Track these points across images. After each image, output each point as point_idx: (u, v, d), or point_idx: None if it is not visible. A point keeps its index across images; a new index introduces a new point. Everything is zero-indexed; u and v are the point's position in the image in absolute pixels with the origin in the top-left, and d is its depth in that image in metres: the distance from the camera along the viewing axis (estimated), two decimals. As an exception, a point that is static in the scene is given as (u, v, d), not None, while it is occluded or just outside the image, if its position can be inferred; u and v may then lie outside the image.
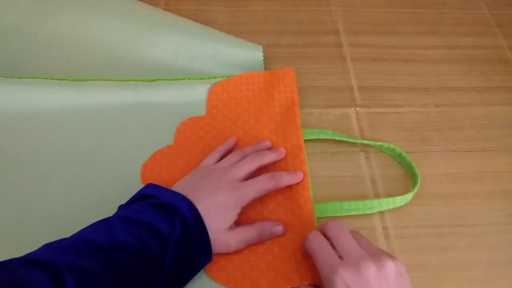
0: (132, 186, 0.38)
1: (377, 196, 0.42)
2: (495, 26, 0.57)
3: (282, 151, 0.41)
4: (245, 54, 0.49)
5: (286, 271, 0.35)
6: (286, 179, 0.38)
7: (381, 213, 0.41)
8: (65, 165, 0.41)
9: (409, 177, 0.43)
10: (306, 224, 0.38)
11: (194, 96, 0.46)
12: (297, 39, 0.53)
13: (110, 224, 0.31)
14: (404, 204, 0.41)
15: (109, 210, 0.34)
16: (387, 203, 0.40)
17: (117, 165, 0.41)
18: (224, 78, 0.47)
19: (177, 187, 0.35)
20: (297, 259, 0.36)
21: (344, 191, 0.42)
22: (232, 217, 0.34)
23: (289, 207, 0.39)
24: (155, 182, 0.37)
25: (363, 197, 0.41)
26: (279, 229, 0.36)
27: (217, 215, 0.33)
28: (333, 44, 0.53)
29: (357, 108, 0.48)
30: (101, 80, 0.46)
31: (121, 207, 0.35)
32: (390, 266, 0.29)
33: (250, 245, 0.36)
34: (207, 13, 0.55)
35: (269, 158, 0.39)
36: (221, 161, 0.39)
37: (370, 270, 0.28)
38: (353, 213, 0.40)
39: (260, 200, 0.38)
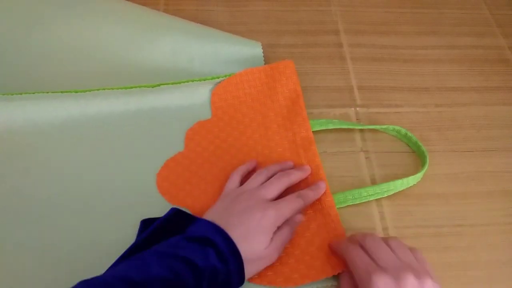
0: (148, 195, 0.39)
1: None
2: (495, 26, 0.57)
3: (307, 169, 0.40)
4: (245, 52, 0.50)
5: (317, 264, 0.35)
6: (311, 196, 0.38)
7: (381, 213, 0.40)
8: (74, 178, 0.40)
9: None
10: (330, 217, 0.38)
11: (197, 99, 0.46)
12: (297, 39, 0.53)
13: (144, 259, 0.30)
14: (408, 191, 0.41)
15: (127, 220, 0.35)
16: (401, 184, 0.41)
17: (129, 175, 0.41)
18: (226, 76, 0.47)
19: (209, 216, 0.34)
20: (326, 251, 0.36)
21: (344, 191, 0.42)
22: (269, 237, 0.33)
23: None
24: (172, 190, 0.39)
25: (363, 197, 0.42)
26: (300, 217, 0.37)
27: (255, 238, 0.33)
28: (333, 44, 0.53)
29: (357, 108, 0.48)
30: (103, 89, 0.45)
31: (144, 223, 0.34)
32: (429, 285, 0.28)
33: None
34: (207, 13, 0.55)
35: (295, 176, 0.39)
36: (247, 183, 0.38)
37: (409, 281, 0.28)
38: (371, 198, 0.40)
39: None
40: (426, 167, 0.42)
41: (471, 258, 0.38)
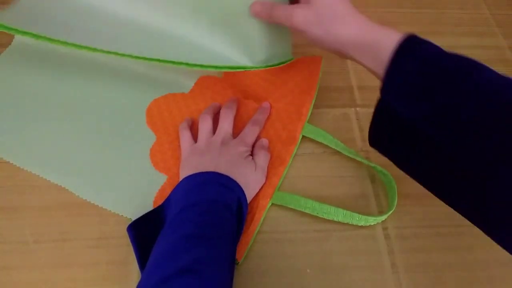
0: (135, 105, 0.45)
1: (377, 196, 0.42)
2: (495, 26, 0.57)
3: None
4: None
5: None
6: (262, 118, 0.44)
7: (381, 212, 0.40)
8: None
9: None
10: (257, 205, 0.39)
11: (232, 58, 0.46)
12: (297, 39, 0.52)
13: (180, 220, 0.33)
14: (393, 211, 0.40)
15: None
16: (350, 218, 0.39)
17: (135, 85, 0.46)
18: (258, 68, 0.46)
19: (205, 166, 0.37)
20: None
21: (344, 191, 0.42)
22: (250, 163, 0.39)
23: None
24: (156, 118, 0.44)
25: (363, 196, 0.41)
26: (265, 140, 0.43)
27: (240, 168, 0.38)
28: (333, 44, 0.53)
29: (357, 108, 0.48)
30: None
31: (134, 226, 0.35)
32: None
33: None
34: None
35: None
36: (218, 135, 0.41)
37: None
38: (307, 210, 0.39)
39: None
40: (390, 212, 0.39)
41: (471, 258, 0.38)
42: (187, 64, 0.41)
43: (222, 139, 0.40)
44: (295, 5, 0.34)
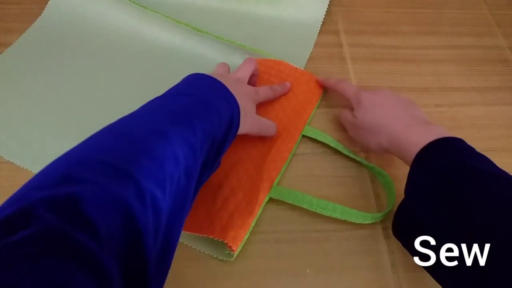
0: (136, 105, 0.41)
1: (377, 196, 0.42)
2: (495, 26, 0.57)
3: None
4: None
5: (218, 226, 0.37)
6: (279, 90, 0.46)
7: (380, 212, 0.40)
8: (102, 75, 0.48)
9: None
10: (256, 197, 0.39)
11: (230, 60, 0.48)
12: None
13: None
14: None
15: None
16: (346, 214, 0.39)
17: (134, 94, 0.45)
18: (263, 54, 0.49)
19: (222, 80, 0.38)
20: (229, 220, 0.38)
21: (344, 191, 0.42)
22: (254, 106, 0.41)
23: (251, 179, 0.41)
24: None
25: (363, 196, 0.41)
26: (274, 129, 0.43)
27: (245, 100, 0.39)
28: (333, 44, 0.53)
29: (357, 108, 0.48)
30: (161, 15, 0.51)
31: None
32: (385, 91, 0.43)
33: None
34: (207, 13, 0.55)
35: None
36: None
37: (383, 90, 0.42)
38: (309, 208, 0.39)
39: (236, 160, 0.42)
40: (388, 210, 0.40)
41: (471, 258, 0.38)
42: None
43: (237, 78, 0.42)
44: (349, 109, 0.43)
